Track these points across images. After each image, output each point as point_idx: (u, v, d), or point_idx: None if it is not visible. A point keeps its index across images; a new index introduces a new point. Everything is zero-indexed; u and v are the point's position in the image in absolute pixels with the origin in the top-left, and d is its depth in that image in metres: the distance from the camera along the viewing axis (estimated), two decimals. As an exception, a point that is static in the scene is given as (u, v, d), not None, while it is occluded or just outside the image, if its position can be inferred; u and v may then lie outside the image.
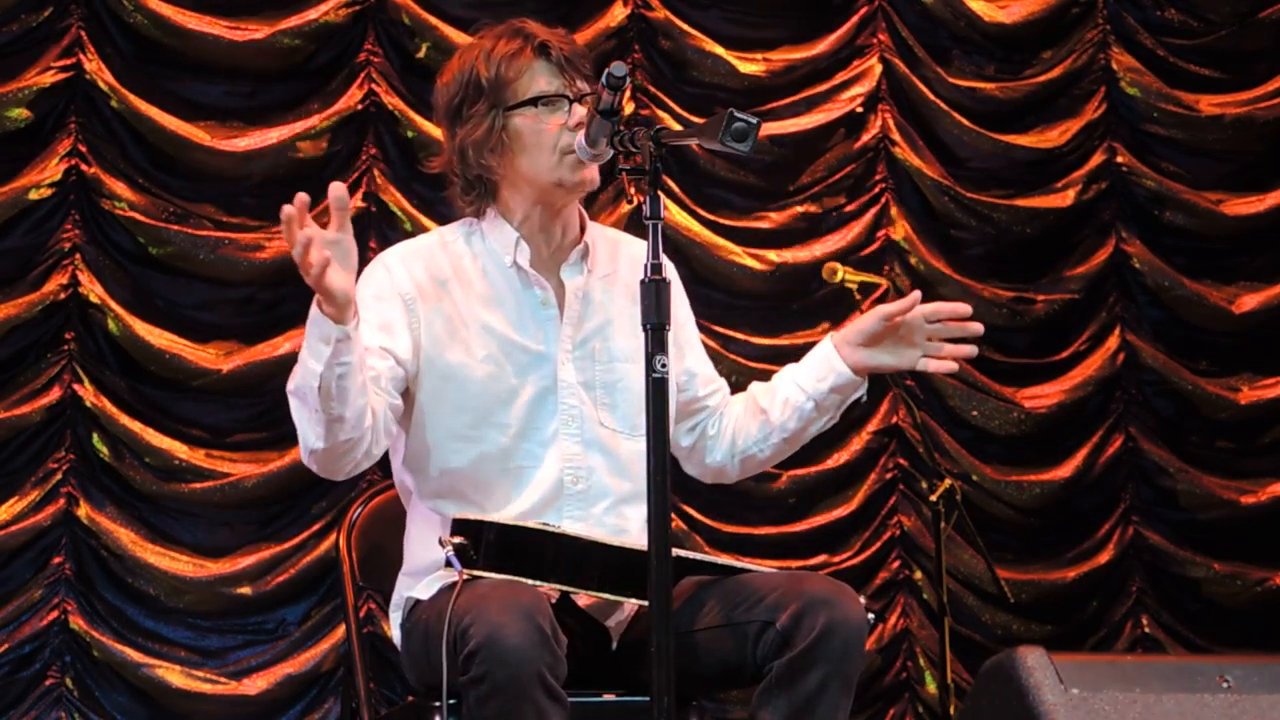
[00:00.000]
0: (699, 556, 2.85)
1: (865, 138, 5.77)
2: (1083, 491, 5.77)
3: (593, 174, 2.79)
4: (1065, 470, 5.75)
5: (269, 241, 5.23)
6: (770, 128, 5.55)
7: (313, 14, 5.34)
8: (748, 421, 2.93)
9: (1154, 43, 6.01)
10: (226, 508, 5.13)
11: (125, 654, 4.98)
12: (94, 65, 5.17)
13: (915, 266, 5.72)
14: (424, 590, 2.76)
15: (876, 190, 5.75)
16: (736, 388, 3.05)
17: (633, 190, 2.54)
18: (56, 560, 5.01)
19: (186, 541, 5.11)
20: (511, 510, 2.76)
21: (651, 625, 2.34)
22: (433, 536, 2.67)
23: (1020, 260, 5.87)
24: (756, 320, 5.58)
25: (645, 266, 2.42)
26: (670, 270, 2.80)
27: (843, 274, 4.47)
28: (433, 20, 5.40)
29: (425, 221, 5.19)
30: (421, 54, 5.42)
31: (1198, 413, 5.89)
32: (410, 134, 5.35)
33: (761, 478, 5.21)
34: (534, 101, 2.80)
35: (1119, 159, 5.95)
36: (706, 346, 3.10)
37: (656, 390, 2.39)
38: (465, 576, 2.56)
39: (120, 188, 5.17)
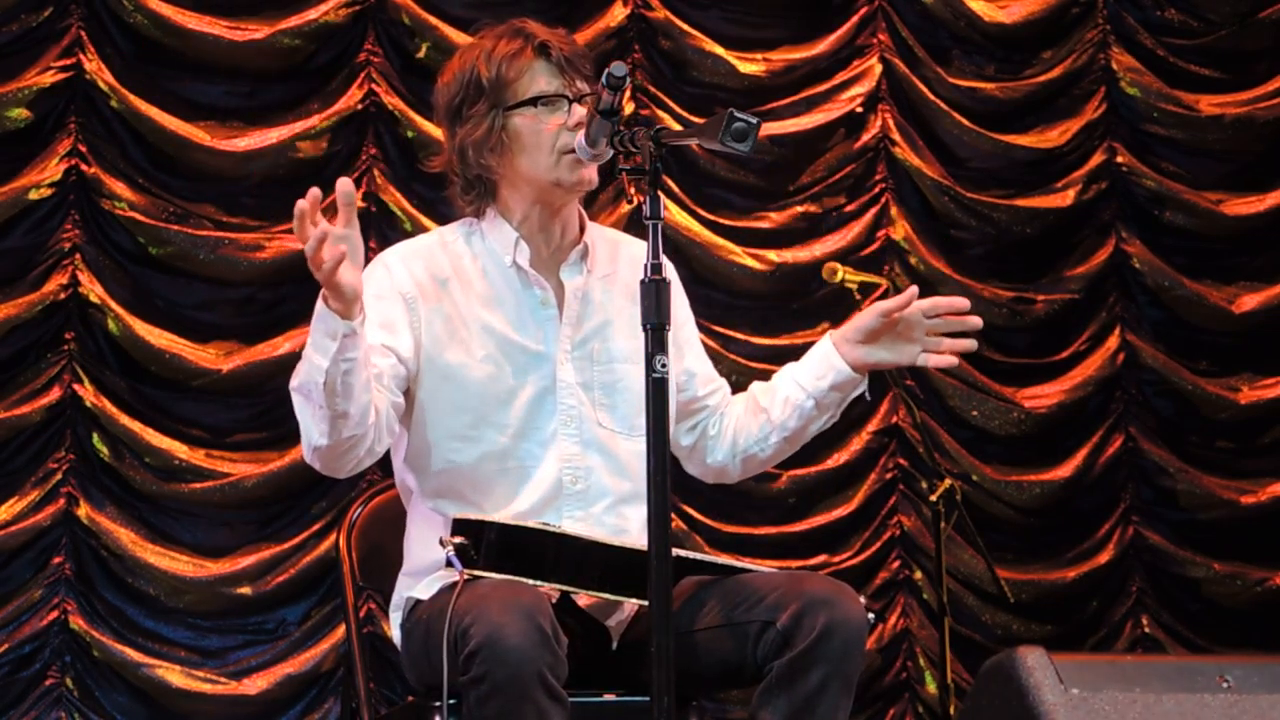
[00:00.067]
0: (699, 556, 2.85)
1: (865, 138, 5.77)
2: (1083, 491, 5.78)
3: (591, 174, 2.79)
4: (1065, 470, 5.75)
5: (269, 241, 5.23)
6: (770, 128, 5.55)
7: (313, 14, 5.34)
8: (748, 421, 2.93)
9: (1154, 43, 6.01)
10: (226, 508, 5.13)
11: (125, 654, 4.98)
12: (94, 65, 5.17)
13: (915, 266, 5.72)
14: (424, 590, 2.76)
15: (876, 190, 5.75)
16: (736, 388, 3.05)
17: (633, 190, 2.54)
18: (56, 560, 5.01)
19: (186, 541, 5.11)
20: (511, 510, 2.76)
21: (651, 625, 2.34)
22: (433, 536, 2.67)
23: (1020, 260, 5.87)
24: (756, 320, 5.58)
25: (645, 266, 2.43)
26: (670, 270, 2.80)
27: (843, 274, 4.47)
28: (433, 20, 5.40)
29: (425, 221, 5.19)
30: (421, 54, 5.42)
31: (1198, 413, 5.89)
32: (410, 134, 5.35)
33: (761, 478, 5.21)
34: (534, 101, 2.80)
35: (1119, 159, 5.95)
36: (706, 346, 3.10)
37: (656, 390, 2.39)
38: (466, 576, 2.56)
39: (120, 188, 5.17)
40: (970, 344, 2.79)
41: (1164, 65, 6.00)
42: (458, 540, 2.59)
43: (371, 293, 2.77)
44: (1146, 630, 5.71)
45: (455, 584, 2.56)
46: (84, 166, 5.15)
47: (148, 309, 5.17)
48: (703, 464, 3.00)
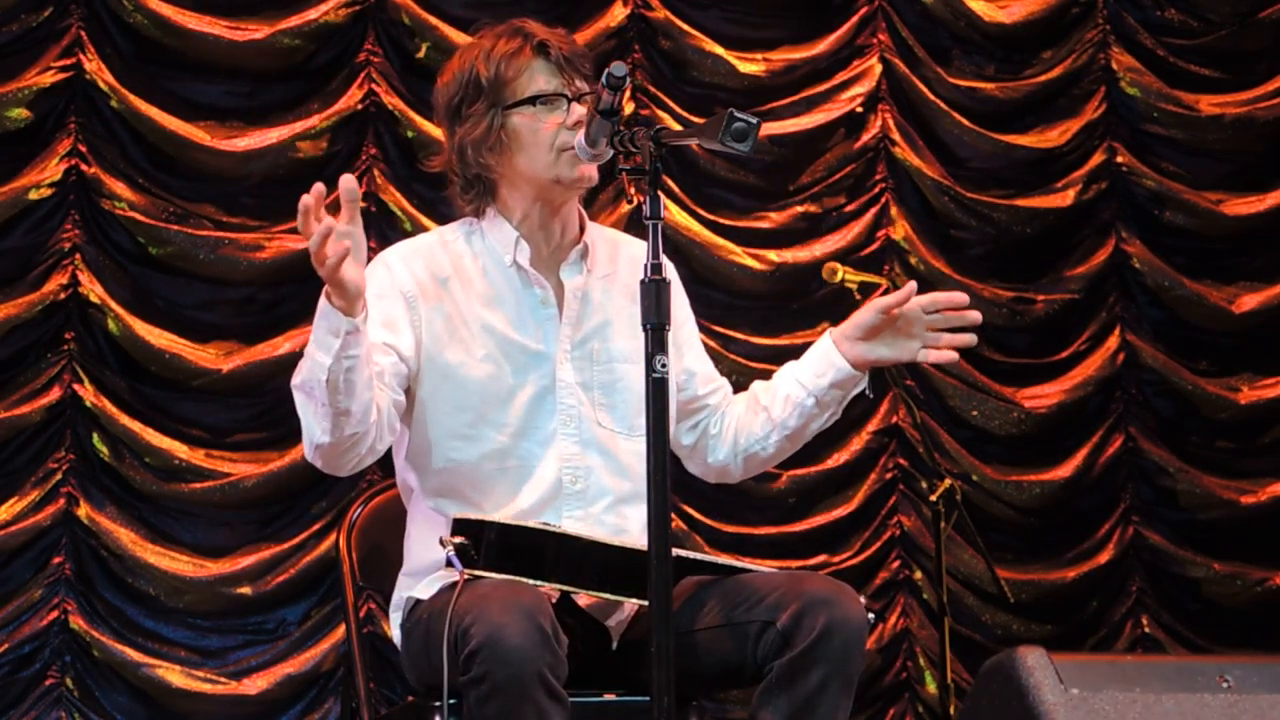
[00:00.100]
0: (699, 556, 2.85)
1: (865, 138, 5.77)
2: (1083, 491, 5.77)
3: (591, 171, 2.79)
4: (1065, 470, 5.75)
5: (269, 241, 5.23)
6: (770, 128, 5.55)
7: (313, 14, 5.34)
8: (749, 419, 2.93)
9: (1154, 43, 6.01)
10: (226, 508, 5.13)
11: (125, 654, 4.98)
12: (94, 65, 5.17)
13: (915, 266, 5.71)
14: (424, 590, 2.76)
15: (876, 190, 5.75)
16: (737, 387, 3.04)
17: (633, 190, 2.54)
18: (56, 560, 5.01)
19: (186, 541, 5.11)
20: (511, 509, 2.76)
21: (651, 625, 2.34)
22: (433, 536, 2.67)
23: (1020, 260, 5.87)
24: (756, 320, 5.58)
25: (645, 266, 2.43)
26: (670, 270, 2.80)
27: (843, 274, 4.47)
28: (433, 20, 5.40)
29: (425, 221, 5.19)
30: (421, 54, 5.42)
31: (1198, 413, 5.89)
32: (410, 134, 5.35)
33: (761, 478, 5.21)
34: (532, 100, 2.81)
35: (1119, 159, 5.95)
36: (706, 346, 3.10)
37: (656, 390, 2.39)
38: (466, 576, 2.56)
39: (120, 188, 5.17)
40: (970, 339, 2.79)
41: (1164, 65, 6.00)
42: (458, 540, 2.59)
43: (373, 291, 2.77)
44: (1146, 630, 5.71)
45: (455, 584, 2.56)
46: (84, 166, 5.15)
47: (148, 309, 5.17)
48: (704, 463, 3.00)
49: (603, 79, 2.48)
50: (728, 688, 2.99)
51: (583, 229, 2.92)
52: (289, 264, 5.22)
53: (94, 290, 5.10)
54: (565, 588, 2.66)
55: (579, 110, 2.79)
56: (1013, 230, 5.85)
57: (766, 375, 2.97)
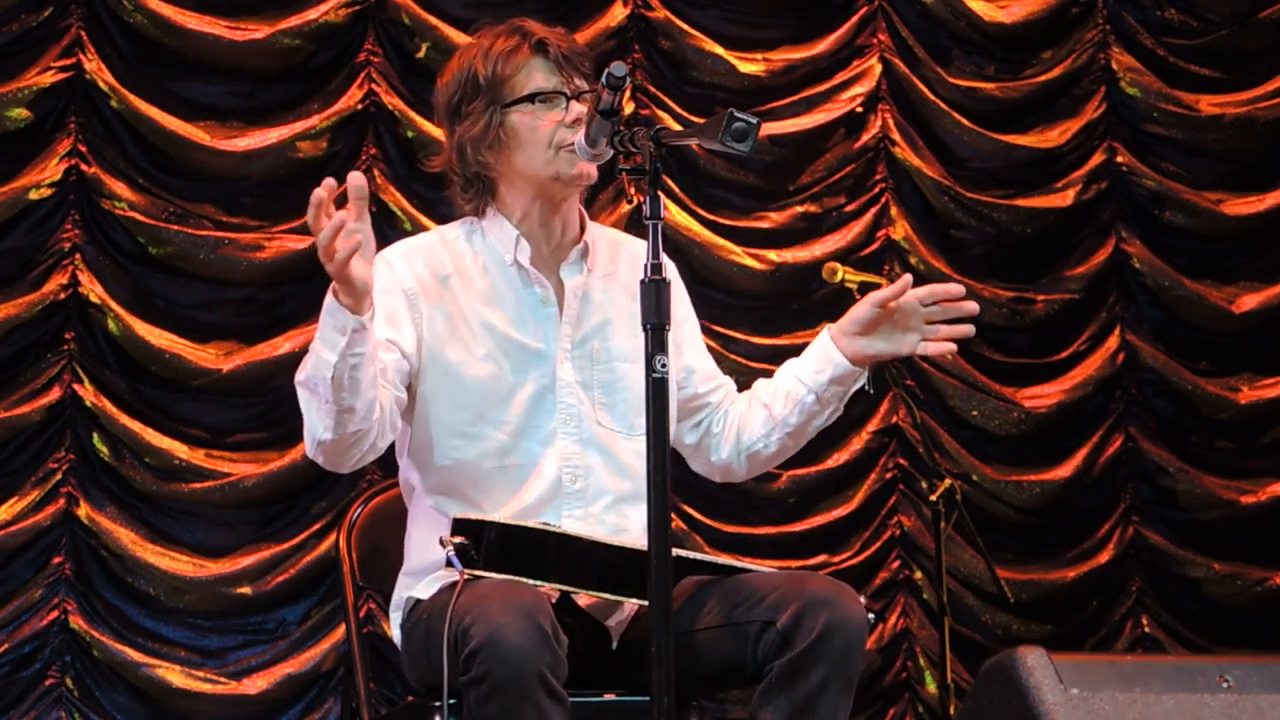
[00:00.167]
0: (699, 556, 2.85)
1: (865, 138, 5.77)
2: (1083, 491, 5.77)
3: (589, 169, 2.79)
4: (1065, 470, 5.75)
5: (269, 241, 5.23)
6: (770, 128, 5.55)
7: (313, 14, 5.34)
8: (751, 417, 2.93)
9: (1154, 43, 6.01)
10: (226, 508, 5.13)
11: (125, 654, 4.98)
12: (94, 65, 5.17)
13: (915, 266, 5.71)
14: (424, 590, 2.77)
15: (876, 190, 5.75)
16: (739, 388, 3.04)
17: (633, 190, 2.54)
18: (56, 560, 5.01)
19: (186, 541, 5.11)
20: (511, 508, 2.76)
21: (651, 625, 2.34)
22: (433, 536, 2.67)
23: (1020, 260, 5.87)
24: (756, 320, 5.58)
25: (645, 266, 2.43)
26: (671, 269, 2.81)
27: (843, 274, 4.47)
28: (433, 20, 5.40)
29: (425, 221, 5.19)
30: (421, 54, 5.42)
31: (1198, 413, 5.89)
32: (410, 134, 5.35)
33: (762, 477, 5.21)
34: (531, 98, 2.81)
35: (1119, 159, 5.95)
36: (706, 346, 3.09)
37: (656, 390, 2.39)
38: (466, 576, 2.56)
39: (120, 188, 5.17)
40: (968, 330, 2.77)
41: (1164, 65, 6.00)
42: (458, 540, 2.59)
43: (375, 288, 2.78)
44: (1146, 630, 5.71)
45: (455, 584, 2.56)
46: (84, 166, 5.15)
47: (148, 309, 5.17)
48: (708, 462, 3.00)
49: (603, 79, 2.48)
50: (728, 688, 2.99)
51: (583, 228, 2.92)
52: (289, 264, 5.22)
53: (94, 290, 5.10)
54: (565, 588, 2.66)
55: (578, 108, 2.80)
56: (1013, 230, 5.85)
57: (767, 375, 2.96)
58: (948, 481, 4.66)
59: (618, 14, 5.58)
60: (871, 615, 2.68)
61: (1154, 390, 5.90)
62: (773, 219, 5.67)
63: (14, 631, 4.94)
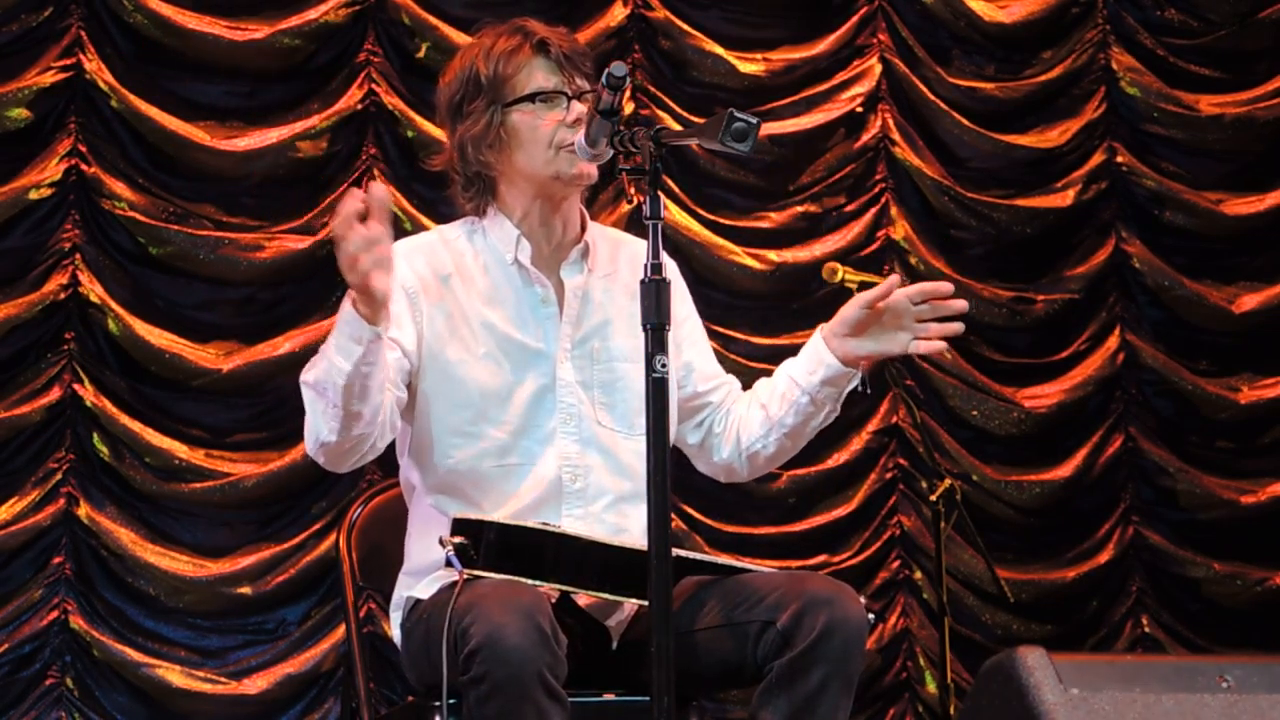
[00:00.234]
0: (699, 556, 2.85)
1: (865, 138, 5.77)
2: (1083, 491, 5.77)
3: (589, 169, 2.79)
4: (1065, 470, 5.75)
5: (269, 241, 5.23)
6: (770, 128, 5.55)
7: (313, 14, 5.34)
8: (750, 418, 2.92)
9: (1154, 43, 6.01)
10: (226, 508, 5.13)
11: (125, 654, 4.98)
12: (94, 65, 5.17)
13: (915, 266, 5.72)
14: (424, 590, 2.77)
15: (876, 190, 5.75)
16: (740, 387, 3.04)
17: (633, 190, 2.54)
18: (56, 560, 5.01)
19: (186, 541, 5.11)
20: (511, 507, 2.76)
21: (651, 625, 2.34)
22: (433, 536, 2.67)
23: (1020, 260, 5.87)
24: (756, 320, 5.58)
25: (645, 266, 2.43)
26: (672, 268, 2.81)
27: (843, 274, 4.47)
28: (433, 20, 5.40)
29: (425, 221, 5.19)
30: (421, 54, 5.42)
31: (1198, 413, 5.89)
32: (410, 134, 5.35)
33: (762, 477, 5.17)
34: (531, 97, 2.81)
35: (1119, 159, 5.95)
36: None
37: (656, 390, 2.39)
38: (465, 576, 2.56)
39: (120, 188, 5.17)
40: (958, 327, 2.76)
41: (1164, 65, 6.00)
42: (457, 540, 2.59)
43: None
44: (1146, 630, 5.71)
45: (455, 584, 2.56)
46: (84, 166, 5.15)
47: (148, 309, 5.17)
48: (710, 462, 3.00)
49: (603, 79, 2.49)
50: (728, 688, 2.99)
51: (584, 228, 2.92)
52: (289, 264, 5.23)
53: (94, 290, 5.10)
54: (565, 588, 2.66)
55: (579, 108, 2.80)
56: (1013, 230, 5.85)
57: (767, 375, 2.96)
58: (948, 481, 4.66)
59: (618, 14, 5.58)
60: (871, 615, 2.68)
61: (1154, 390, 5.90)
62: (773, 219, 5.67)
63: (14, 631, 4.94)
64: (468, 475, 2.79)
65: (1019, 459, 5.75)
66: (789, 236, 5.66)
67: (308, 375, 2.63)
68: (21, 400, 5.03)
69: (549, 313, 2.85)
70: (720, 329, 5.43)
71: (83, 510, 5.03)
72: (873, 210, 5.73)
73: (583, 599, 2.74)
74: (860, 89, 5.76)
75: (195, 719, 5.02)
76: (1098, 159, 5.93)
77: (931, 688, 5.46)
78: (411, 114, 5.35)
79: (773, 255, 5.61)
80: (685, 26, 5.64)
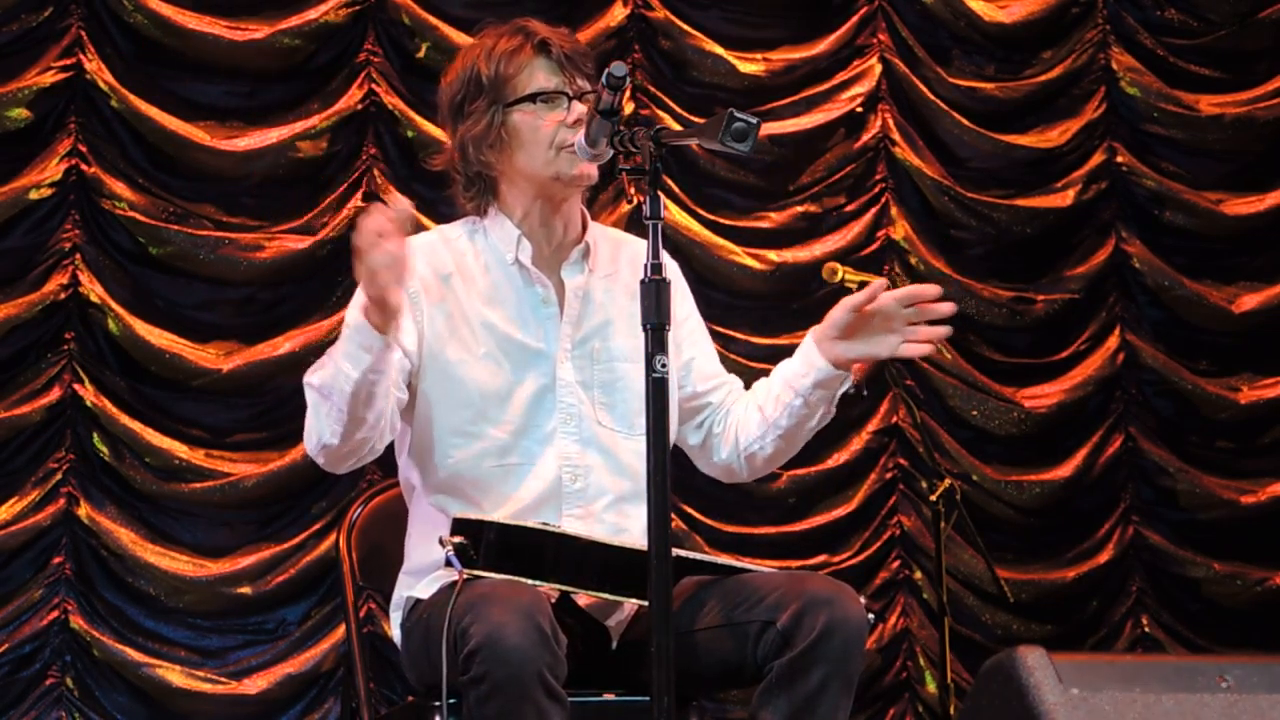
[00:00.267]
0: (699, 556, 2.85)
1: (865, 138, 5.77)
2: (1083, 491, 5.77)
3: (590, 169, 2.79)
4: (1065, 470, 5.75)
5: (269, 241, 5.23)
6: (770, 128, 5.55)
7: (313, 14, 5.34)
8: (747, 419, 2.92)
9: (1154, 43, 6.01)
10: (226, 508, 5.13)
11: (125, 654, 4.98)
12: (94, 65, 5.17)
13: (915, 266, 5.72)
14: (424, 590, 2.77)
15: (876, 190, 5.75)
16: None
17: (633, 190, 2.54)
18: (56, 560, 5.01)
19: (186, 541, 5.11)
20: (510, 507, 2.76)
21: (651, 625, 2.34)
22: (433, 536, 2.67)
23: (1020, 260, 5.87)
24: (756, 320, 5.58)
25: (645, 266, 2.43)
26: (673, 268, 2.81)
27: (843, 274, 4.47)
28: (433, 20, 5.40)
29: (425, 221, 5.15)
30: (421, 54, 5.42)
31: (1198, 413, 5.89)
32: (410, 134, 5.35)
33: (762, 477, 5.21)
34: (532, 98, 2.82)
35: (1119, 159, 5.95)
36: (708, 346, 3.09)
37: (656, 390, 2.39)
38: (465, 576, 2.56)
39: (120, 188, 5.17)
40: (945, 331, 2.75)
41: (1164, 65, 6.00)
42: (457, 540, 2.59)
43: None
44: (1146, 630, 5.71)
45: (455, 584, 2.56)
46: (84, 166, 5.15)
47: (148, 309, 5.17)
48: (710, 462, 3.00)
49: (603, 79, 2.49)
50: (728, 688, 2.99)
51: (585, 228, 2.92)
52: (289, 264, 5.22)
53: (94, 290, 5.10)
54: (565, 588, 2.66)
55: (579, 108, 2.80)
56: (1013, 230, 5.85)
57: (767, 375, 2.96)
58: (948, 481, 4.66)
59: (618, 14, 5.58)
60: (871, 615, 2.68)
61: (1154, 390, 5.90)
62: (773, 219, 5.67)
63: (14, 631, 4.94)
64: (468, 475, 2.79)
65: (1019, 459, 5.75)
66: (789, 236, 5.66)
67: (313, 378, 2.64)
68: (21, 400, 5.03)
69: (549, 313, 2.85)
70: (720, 329, 5.43)
71: (83, 510, 5.03)
72: (873, 210, 5.73)
73: (583, 599, 2.74)
74: (860, 89, 5.76)
75: (195, 719, 5.02)
76: (1098, 159, 5.93)
77: (931, 688, 5.45)
78: (411, 114, 5.34)
79: (773, 255, 5.61)
80: (685, 26, 5.64)
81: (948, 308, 2.74)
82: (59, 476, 5.04)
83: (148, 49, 5.26)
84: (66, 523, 5.02)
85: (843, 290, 4.49)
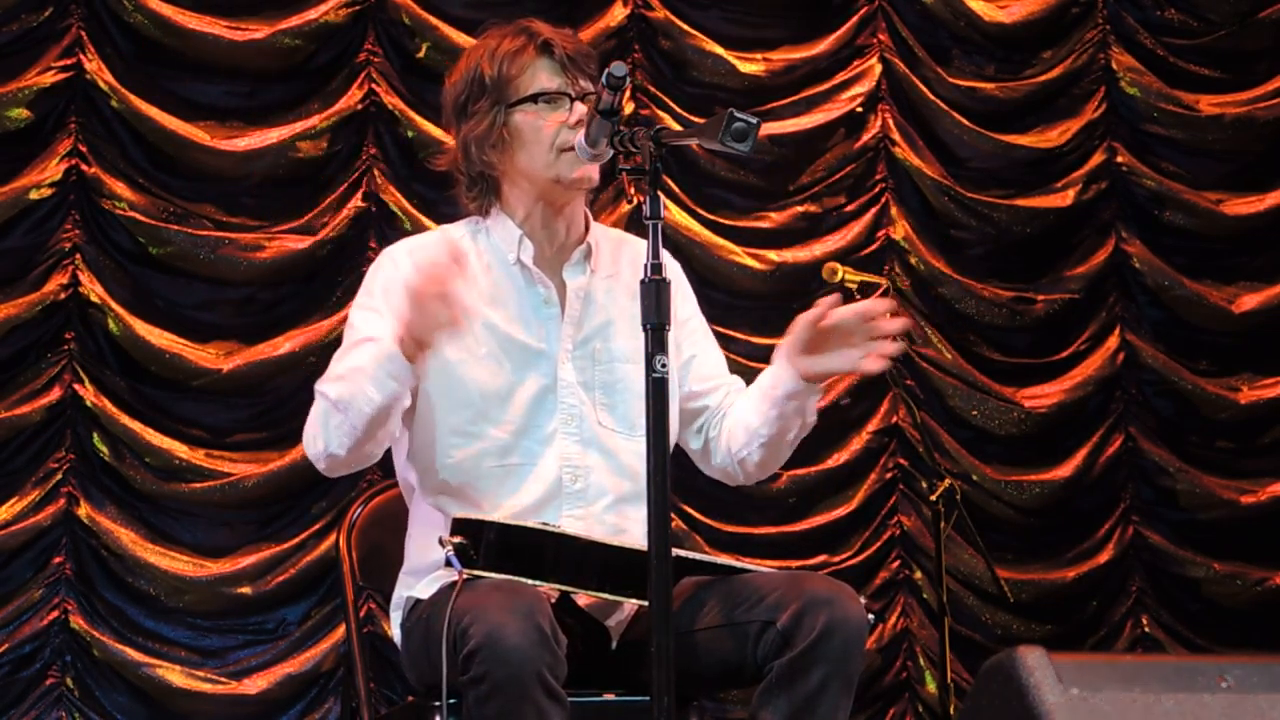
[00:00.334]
0: (699, 556, 2.85)
1: (865, 138, 5.77)
2: (1083, 491, 5.77)
3: (590, 171, 2.80)
4: (1065, 470, 5.75)
5: (269, 241, 5.23)
6: (770, 128, 5.55)
7: (313, 14, 5.34)
8: (736, 426, 2.91)
9: (1154, 43, 6.01)
10: (226, 508, 5.13)
11: (125, 654, 4.98)
12: (94, 65, 5.17)
13: (915, 266, 5.72)
14: (424, 590, 2.77)
15: (876, 190, 5.75)
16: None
17: (633, 190, 2.55)
18: (56, 560, 5.01)
19: (186, 541, 5.11)
20: (510, 507, 2.76)
21: (651, 625, 2.34)
22: (433, 536, 2.68)
23: (1020, 260, 5.87)
24: (756, 320, 5.58)
25: (645, 266, 2.43)
26: (675, 268, 2.82)
27: (843, 274, 4.48)
28: (433, 20, 5.40)
29: (425, 221, 5.19)
30: (421, 54, 5.42)
31: (1198, 413, 5.89)
32: (410, 134, 5.35)
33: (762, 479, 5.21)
34: (534, 98, 2.82)
35: (1119, 159, 5.95)
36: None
37: (656, 390, 2.39)
38: (465, 576, 2.56)
39: (120, 188, 5.17)
40: (900, 346, 2.76)
41: (1164, 65, 6.00)
42: (457, 540, 2.59)
43: (378, 285, 2.82)
44: (1146, 630, 5.71)
45: (455, 584, 2.56)
46: (84, 166, 5.15)
47: (148, 309, 5.17)
48: (711, 466, 3.00)
49: (603, 79, 2.49)
50: (728, 688, 2.99)
51: (587, 229, 2.92)
52: (289, 264, 5.22)
53: (94, 290, 5.10)
54: (565, 588, 2.66)
55: (582, 109, 2.80)
56: (1013, 230, 5.85)
57: (767, 376, 2.96)
58: (948, 481, 4.66)
59: (618, 14, 5.58)
60: (871, 615, 2.68)
61: (1154, 390, 5.90)
62: (773, 219, 5.67)
63: (14, 631, 4.94)
64: (468, 475, 2.79)
65: (1019, 459, 5.75)
66: (789, 236, 5.66)
67: (328, 389, 2.66)
68: (21, 400, 5.03)
69: (551, 313, 2.85)
70: (720, 329, 5.38)
71: (83, 510, 5.03)
72: (873, 210, 5.73)
73: (583, 599, 2.74)
74: (860, 89, 5.76)
75: (195, 719, 5.02)
76: (1098, 159, 5.93)
77: (931, 688, 5.46)
78: (411, 114, 5.35)
79: (773, 255, 5.61)
80: (685, 26, 5.64)
81: (897, 325, 2.74)
82: (59, 476, 5.04)
83: (148, 49, 5.26)
84: (66, 523, 5.02)
85: (843, 290, 4.49)
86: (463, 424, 2.79)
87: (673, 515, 3.89)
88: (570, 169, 2.79)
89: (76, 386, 5.08)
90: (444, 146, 2.96)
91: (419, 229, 5.01)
